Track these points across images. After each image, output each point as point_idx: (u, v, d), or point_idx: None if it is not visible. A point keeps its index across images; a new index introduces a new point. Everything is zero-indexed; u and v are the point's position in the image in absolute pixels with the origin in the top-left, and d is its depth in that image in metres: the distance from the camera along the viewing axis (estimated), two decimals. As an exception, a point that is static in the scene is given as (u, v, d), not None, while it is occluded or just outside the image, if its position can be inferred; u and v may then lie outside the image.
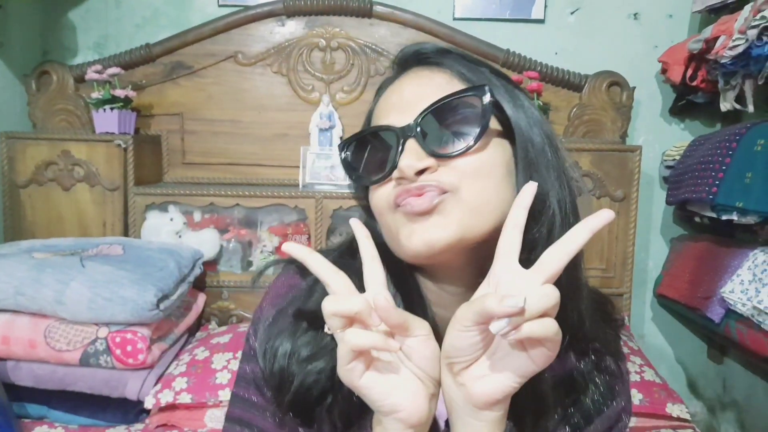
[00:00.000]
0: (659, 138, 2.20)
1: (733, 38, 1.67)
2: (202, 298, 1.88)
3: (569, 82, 2.09)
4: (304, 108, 2.10)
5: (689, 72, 1.95)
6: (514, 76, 2.00)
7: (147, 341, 1.50)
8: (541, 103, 1.93)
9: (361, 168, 0.59)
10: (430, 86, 0.56)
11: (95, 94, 1.93)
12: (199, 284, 1.88)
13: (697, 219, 1.96)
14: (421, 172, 0.53)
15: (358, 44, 2.09)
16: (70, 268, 1.54)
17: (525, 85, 1.95)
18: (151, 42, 2.09)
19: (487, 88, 0.54)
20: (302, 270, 0.61)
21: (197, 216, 1.94)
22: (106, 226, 1.93)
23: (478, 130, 0.54)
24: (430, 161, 0.53)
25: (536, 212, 0.54)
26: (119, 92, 1.92)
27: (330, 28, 2.10)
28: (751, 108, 1.79)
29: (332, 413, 0.56)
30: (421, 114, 0.54)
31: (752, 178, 1.59)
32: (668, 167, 2.10)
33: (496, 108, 0.56)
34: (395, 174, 0.54)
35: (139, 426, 1.51)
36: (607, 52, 2.16)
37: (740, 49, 1.66)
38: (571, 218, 0.57)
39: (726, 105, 1.87)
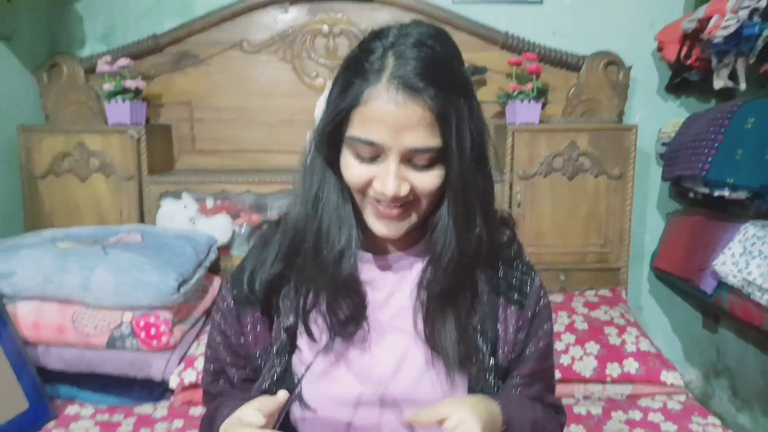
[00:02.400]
0: (656, 115, 2.25)
1: (726, 18, 1.72)
2: (217, 282, 1.95)
3: (567, 63, 2.14)
4: (309, 94, 2.15)
5: (684, 51, 2.00)
6: (513, 58, 2.05)
7: (169, 324, 1.59)
8: (540, 85, 1.99)
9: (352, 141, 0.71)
10: (419, 126, 0.68)
11: (107, 86, 1.98)
12: (214, 268, 1.96)
13: (691, 194, 2.03)
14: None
15: (361, 30, 2.13)
16: (93, 255, 1.62)
17: (524, 67, 2.01)
18: (158, 31, 2.14)
19: (453, 154, 0.70)
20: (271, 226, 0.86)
21: (209, 203, 2.01)
22: (123, 214, 2.01)
23: (439, 174, 0.71)
24: (407, 189, 0.70)
25: (466, 229, 0.74)
26: (130, 83, 1.98)
27: (332, 14, 2.14)
28: (743, 85, 1.85)
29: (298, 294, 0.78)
30: (409, 150, 0.68)
31: (742, 154, 1.66)
32: (664, 144, 2.16)
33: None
34: (378, 187, 0.70)
35: (164, 404, 1.61)
36: (604, 31, 2.20)
37: (732, 29, 1.71)
38: (492, 227, 0.78)
39: (719, 83, 1.92)
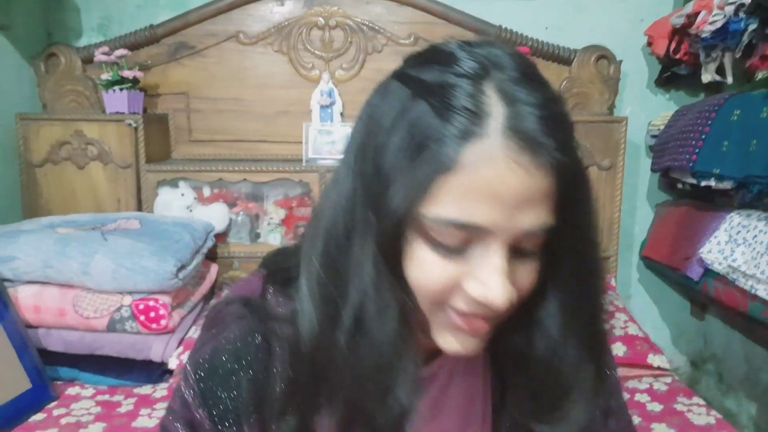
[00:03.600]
0: (645, 108, 2.30)
1: (713, 14, 1.76)
2: (214, 268, 1.99)
3: (559, 57, 2.18)
4: (304, 85, 2.18)
5: (673, 46, 2.04)
6: (506, 51, 2.08)
7: (168, 308, 1.62)
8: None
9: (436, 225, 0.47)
10: (541, 200, 0.47)
11: (105, 76, 2.00)
12: (211, 255, 1.99)
13: (679, 185, 2.08)
14: None
15: (356, 22, 2.17)
16: (93, 241, 1.64)
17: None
18: (153, 22, 2.16)
19: (571, 236, 0.51)
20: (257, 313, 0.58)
21: (207, 191, 2.03)
22: (120, 202, 2.03)
23: (536, 266, 0.51)
24: (515, 295, 0.49)
25: (577, 340, 0.54)
26: (128, 73, 2.00)
27: (328, 6, 2.17)
28: (730, 79, 1.90)
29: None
30: (524, 233, 0.47)
31: (728, 146, 1.70)
32: (653, 136, 2.20)
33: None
34: (475, 290, 0.48)
35: (164, 385, 1.64)
36: (595, 26, 2.25)
37: (719, 24, 1.75)
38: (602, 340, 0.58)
39: (707, 77, 1.97)
